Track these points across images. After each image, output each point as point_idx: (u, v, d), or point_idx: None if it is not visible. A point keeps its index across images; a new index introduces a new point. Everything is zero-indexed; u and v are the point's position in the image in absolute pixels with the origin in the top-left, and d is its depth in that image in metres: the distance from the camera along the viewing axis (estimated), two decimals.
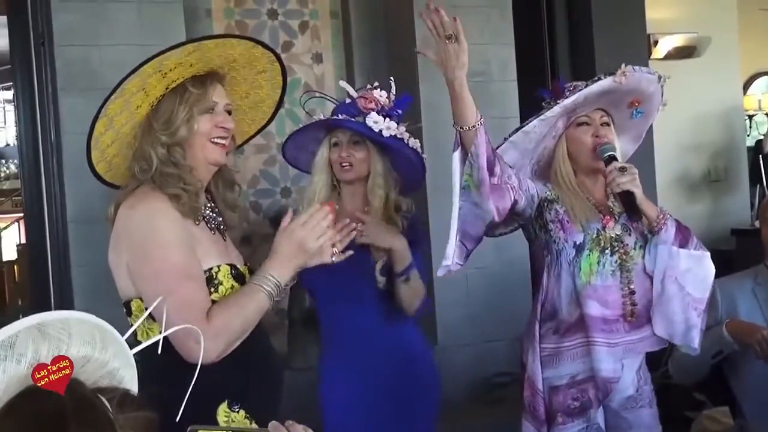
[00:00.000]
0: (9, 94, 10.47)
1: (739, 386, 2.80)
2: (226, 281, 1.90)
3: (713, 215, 5.75)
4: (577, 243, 2.47)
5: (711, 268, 2.48)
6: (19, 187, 9.63)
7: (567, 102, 2.46)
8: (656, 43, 5.58)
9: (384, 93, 2.62)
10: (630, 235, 2.49)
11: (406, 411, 2.66)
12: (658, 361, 3.97)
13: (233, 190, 2.08)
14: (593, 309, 2.42)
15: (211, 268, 1.89)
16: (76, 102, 3.43)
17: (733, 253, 4.95)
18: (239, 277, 1.94)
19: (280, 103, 2.22)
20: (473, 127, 2.28)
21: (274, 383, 2.02)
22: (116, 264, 1.90)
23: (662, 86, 2.55)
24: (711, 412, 3.43)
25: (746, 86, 7.15)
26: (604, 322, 2.42)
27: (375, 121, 2.57)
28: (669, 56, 5.66)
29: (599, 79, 2.47)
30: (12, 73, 4.00)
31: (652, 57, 5.45)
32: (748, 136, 6.78)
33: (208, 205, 2.01)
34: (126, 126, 1.93)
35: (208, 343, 1.74)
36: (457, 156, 2.35)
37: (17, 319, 0.92)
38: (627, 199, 2.41)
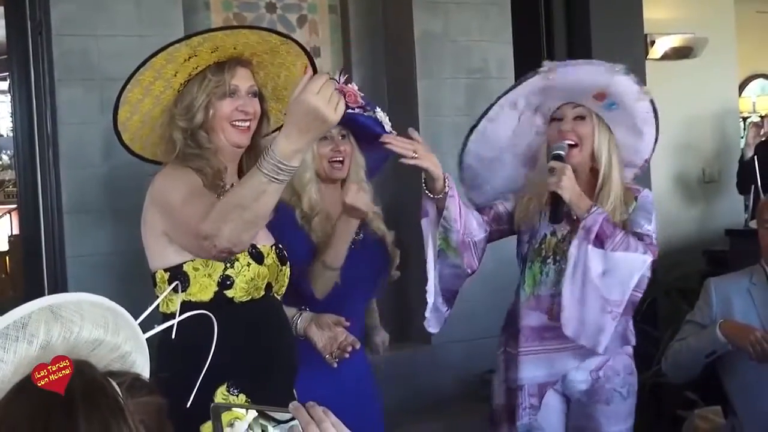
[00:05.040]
0: (2, 85, 10.42)
1: (732, 385, 2.81)
2: (243, 257, 1.92)
3: (707, 216, 5.76)
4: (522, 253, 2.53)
5: (634, 269, 2.36)
6: (10, 179, 9.62)
7: (508, 97, 2.42)
8: (653, 43, 5.59)
9: (356, 86, 2.45)
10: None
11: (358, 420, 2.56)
12: (651, 359, 3.99)
13: None
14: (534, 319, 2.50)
15: None
16: (73, 92, 3.41)
17: (727, 254, 4.97)
18: (257, 255, 1.95)
19: None
20: (444, 192, 2.29)
21: (285, 373, 2.01)
22: (144, 235, 1.97)
23: (631, 78, 2.38)
24: (703, 411, 3.45)
25: (741, 88, 7.17)
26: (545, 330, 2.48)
27: (382, 116, 2.44)
28: (666, 57, 5.67)
29: (532, 75, 2.38)
30: (8, 63, 3.97)
31: (648, 57, 5.46)
32: (741, 138, 6.80)
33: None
34: (155, 109, 1.99)
35: (207, 229, 1.72)
36: (425, 223, 2.36)
37: (9, 310, 0.92)
38: (552, 200, 2.36)
